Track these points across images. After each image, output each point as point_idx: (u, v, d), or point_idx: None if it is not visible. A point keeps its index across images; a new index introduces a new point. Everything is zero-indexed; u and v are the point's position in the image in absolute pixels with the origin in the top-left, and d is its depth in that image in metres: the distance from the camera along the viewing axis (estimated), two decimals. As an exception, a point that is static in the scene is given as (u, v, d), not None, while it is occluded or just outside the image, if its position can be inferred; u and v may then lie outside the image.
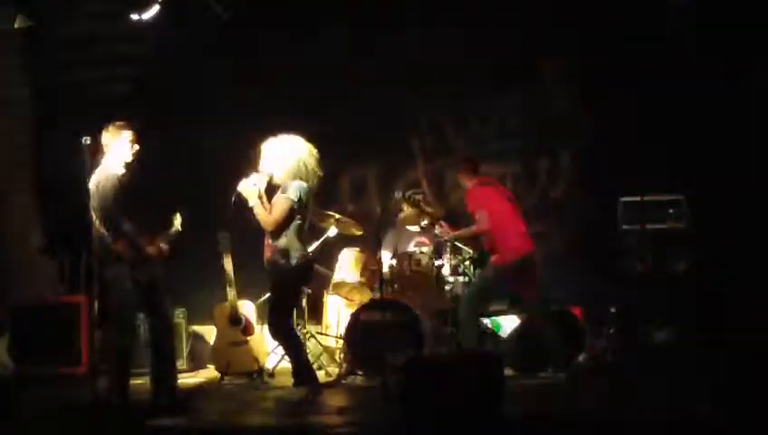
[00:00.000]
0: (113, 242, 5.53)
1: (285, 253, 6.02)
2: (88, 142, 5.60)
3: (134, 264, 5.59)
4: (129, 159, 5.74)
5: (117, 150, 5.72)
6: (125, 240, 5.53)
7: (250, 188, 6.05)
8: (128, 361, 5.75)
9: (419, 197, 7.09)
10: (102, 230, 5.55)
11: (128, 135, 5.74)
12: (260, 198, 6.10)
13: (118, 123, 5.77)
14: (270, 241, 6.09)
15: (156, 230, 5.84)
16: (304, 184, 6.08)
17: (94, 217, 5.58)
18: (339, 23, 8.07)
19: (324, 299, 7.70)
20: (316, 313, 7.67)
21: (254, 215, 6.07)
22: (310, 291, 7.20)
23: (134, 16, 7.37)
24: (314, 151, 6.21)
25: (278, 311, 6.11)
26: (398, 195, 7.08)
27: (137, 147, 5.74)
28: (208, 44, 7.96)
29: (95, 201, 5.58)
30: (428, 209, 7.08)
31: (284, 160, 6.12)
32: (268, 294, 6.38)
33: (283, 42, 8.08)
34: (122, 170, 5.68)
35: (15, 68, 8.03)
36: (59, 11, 7.97)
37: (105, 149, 5.73)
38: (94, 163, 5.66)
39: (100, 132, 5.74)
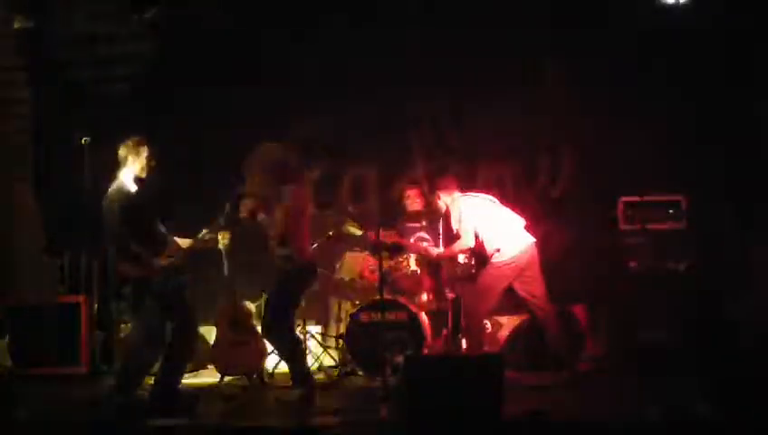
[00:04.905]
0: (117, 262, 5.52)
1: (291, 255, 6.00)
2: (88, 142, 5.61)
3: (150, 278, 5.57)
4: (144, 175, 5.75)
5: (133, 166, 5.71)
6: (132, 260, 5.52)
7: None
8: (146, 369, 5.76)
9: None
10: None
11: (145, 151, 5.75)
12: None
13: (137, 138, 5.78)
14: (276, 244, 6.06)
15: (165, 241, 5.80)
16: (292, 186, 6.05)
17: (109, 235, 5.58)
18: (339, 22, 8.06)
19: (324, 299, 7.70)
20: (316, 313, 7.67)
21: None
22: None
23: (134, 16, 7.38)
24: (292, 151, 6.17)
25: (278, 312, 6.08)
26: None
27: (153, 164, 5.75)
28: (208, 44, 7.95)
29: (107, 220, 5.58)
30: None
31: (264, 166, 6.06)
32: (266, 296, 6.34)
33: (283, 42, 8.07)
34: (135, 187, 5.67)
35: (15, 68, 8.02)
36: (59, 11, 7.98)
37: (122, 162, 5.73)
38: (111, 177, 5.65)
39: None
